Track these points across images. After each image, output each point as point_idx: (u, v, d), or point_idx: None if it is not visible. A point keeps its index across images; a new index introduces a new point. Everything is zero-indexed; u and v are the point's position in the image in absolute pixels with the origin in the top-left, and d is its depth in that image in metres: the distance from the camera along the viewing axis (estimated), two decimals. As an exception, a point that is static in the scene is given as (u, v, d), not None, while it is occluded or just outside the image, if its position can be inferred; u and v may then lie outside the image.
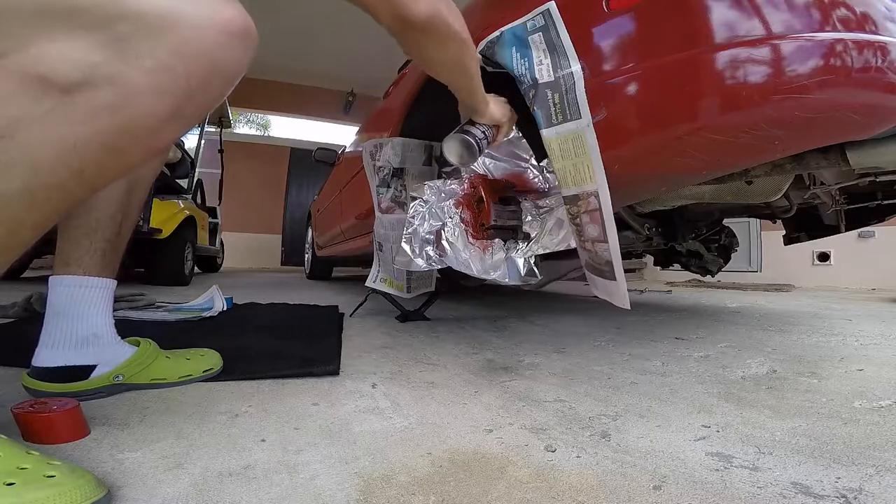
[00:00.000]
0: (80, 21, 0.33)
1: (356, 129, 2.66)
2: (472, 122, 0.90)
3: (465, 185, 1.06)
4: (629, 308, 0.76)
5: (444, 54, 0.70)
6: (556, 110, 0.75)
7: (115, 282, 0.73)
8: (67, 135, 0.35)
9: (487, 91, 0.84)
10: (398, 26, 0.60)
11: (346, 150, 2.80)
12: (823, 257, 3.74)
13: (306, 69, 6.27)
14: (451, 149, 0.87)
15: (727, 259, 1.87)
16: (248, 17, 0.41)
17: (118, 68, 0.34)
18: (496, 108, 0.89)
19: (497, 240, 1.04)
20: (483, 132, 0.89)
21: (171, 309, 1.56)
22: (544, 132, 0.76)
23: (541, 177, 1.01)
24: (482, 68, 0.88)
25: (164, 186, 3.04)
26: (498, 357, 1.05)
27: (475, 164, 1.07)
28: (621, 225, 0.95)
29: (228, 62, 0.40)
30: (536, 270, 1.02)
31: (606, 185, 0.72)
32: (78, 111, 0.34)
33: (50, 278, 0.68)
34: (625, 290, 0.74)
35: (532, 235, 1.02)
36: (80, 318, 0.68)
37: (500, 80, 0.86)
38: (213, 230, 4.53)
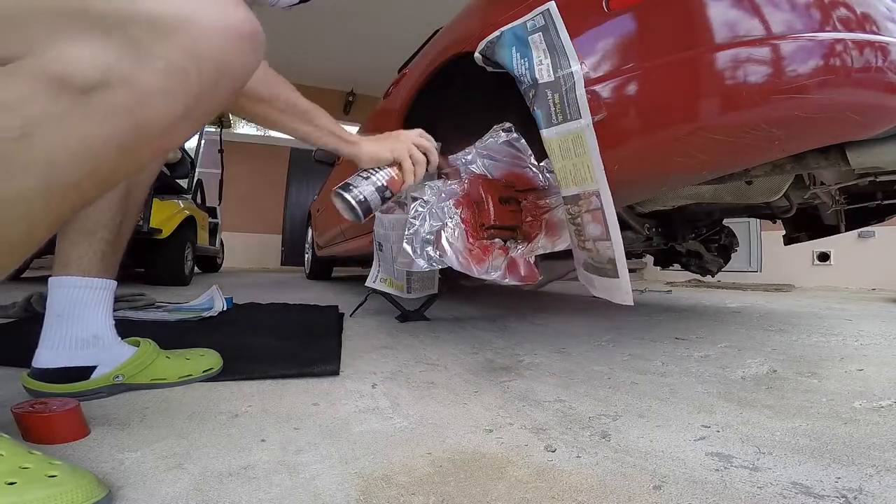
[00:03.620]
0: (96, 23, 0.34)
1: (356, 129, 2.66)
2: (362, 171, 0.83)
3: (465, 185, 1.06)
4: (632, 303, 0.76)
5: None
6: (555, 110, 0.75)
7: (115, 282, 0.73)
8: (85, 135, 0.35)
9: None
10: None
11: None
12: (823, 257, 3.74)
13: (306, 69, 6.28)
14: (337, 205, 0.81)
15: (727, 259, 1.87)
16: (256, 20, 0.41)
17: (132, 69, 0.35)
18: (375, 145, 0.83)
19: (497, 240, 1.04)
20: (373, 182, 0.81)
21: (171, 309, 1.56)
22: (544, 132, 0.76)
23: (540, 176, 1.01)
24: (482, 68, 0.89)
25: (164, 186, 3.04)
26: (498, 357, 1.05)
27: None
28: (621, 225, 0.95)
29: (238, 65, 0.41)
30: (536, 271, 1.02)
31: (607, 185, 0.72)
32: (95, 111, 0.35)
33: (49, 279, 0.68)
34: (628, 287, 0.74)
35: (532, 235, 1.02)
36: (81, 319, 0.68)
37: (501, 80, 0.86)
38: (213, 230, 4.52)
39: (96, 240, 0.69)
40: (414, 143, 0.88)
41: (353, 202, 0.79)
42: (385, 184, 0.83)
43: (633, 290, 0.74)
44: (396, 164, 0.85)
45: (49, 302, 0.68)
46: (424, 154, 0.89)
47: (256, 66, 0.43)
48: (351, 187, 0.81)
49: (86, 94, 0.34)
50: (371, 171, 0.83)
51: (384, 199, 0.83)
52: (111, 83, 0.35)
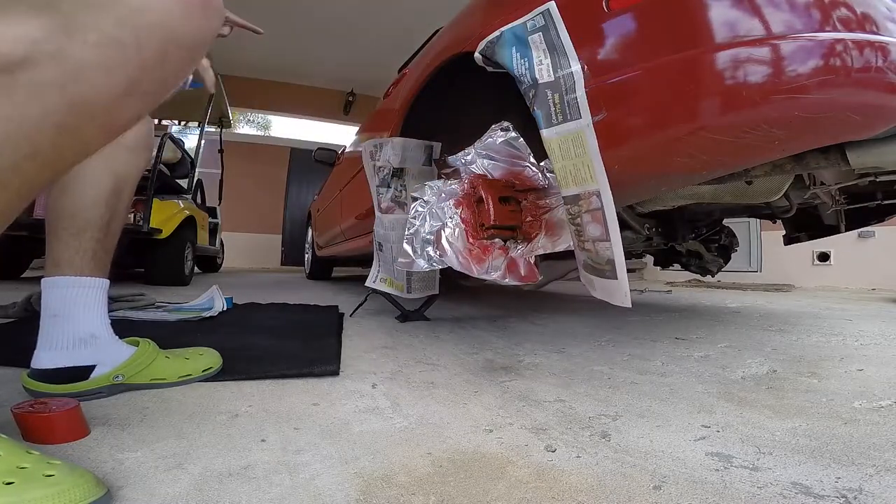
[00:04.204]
0: None
1: (356, 129, 2.66)
2: None
3: (465, 185, 1.06)
4: (630, 306, 0.76)
5: None
6: (555, 110, 0.75)
7: (108, 281, 0.73)
8: (11, 115, 0.33)
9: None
10: None
11: (346, 150, 2.80)
12: (823, 257, 3.74)
13: (306, 69, 6.28)
14: None
15: (727, 259, 1.86)
16: None
17: (61, 44, 0.33)
18: None
19: (497, 240, 1.04)
20: None
21: (171, 309, 1.55)
22: (544, 132, 0.76)
23: (540, 175, 1.01)
24: (482, 68, 0.88)
25: (164, 186, 3.03)
26: (498, 357, 1.05)
27: None
28: (621, 225, 0.94)
29: (187, 33, 0.38)
30: (536, 271, 1.02)
31: (608, 185, 0.71)
32: (20, 90, 0.33)
33: (42, 280, 0.68)
34: (626, 289, 0.74)
35: (532, 235, 1.02)
36: (76, 318, 0.68)
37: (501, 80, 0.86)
38: (213, 230, 4.52)
39: (86, 239, 0.69)
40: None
41: None
42: None
43: (632, 290, 0.74)
44: None
45: (43, 303, 0.67)
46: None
47: (212, 32, 0.40)
48: None
49: (9, 73, 0.32)
50: None
51: None
52: (38, 60, 0.33)
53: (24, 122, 0.34)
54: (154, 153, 2.67)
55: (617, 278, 0.74)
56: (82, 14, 0.33)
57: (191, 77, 0.70)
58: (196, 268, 3.88)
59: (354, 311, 1.68)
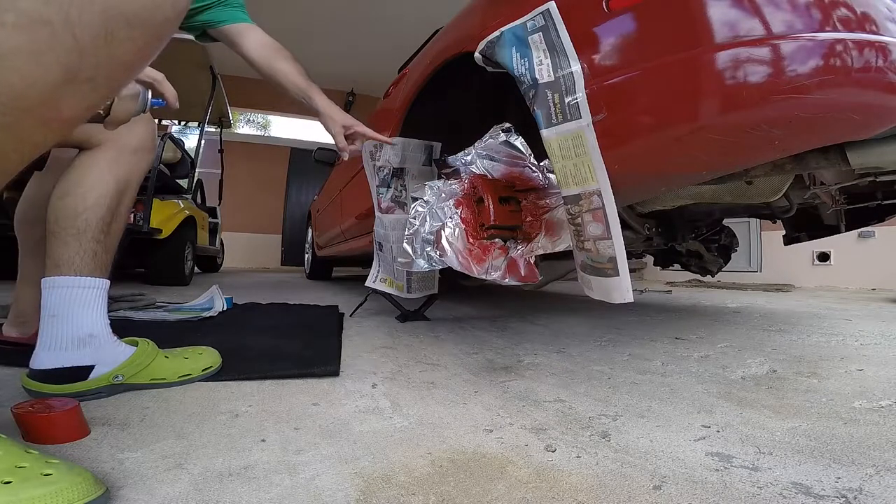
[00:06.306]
0: None
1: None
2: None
3: (466, 185, 1.06)
4: (632, 300, 0.76)
5: None
6: (556, 110, 0.75)
7: (108, 281, 0.73)
8: None
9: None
10: None
11: (346, 150, 2.79)
12: (823, 257, 3.74)
13: (306, 69, 6.27)
14: None
15: (727, 259, 1.86)
16: None
17: None
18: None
19: (497, 240, 1.04)
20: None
21: (171, 309, 1.55)
22: (544, 132, 0.76)
23: (540, 175, 1.01)
24: (482, 68, 0.89)
25: (164, 186, 3.04)
26: (498, 357, 1.05)
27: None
28: (621, 225, 0.94)
29: (135, 9, 0.33)
30: (536, 271, 1.02)
31: (609, 184, 0.72)
32: None
33: (42, 280, 0.68)
34: (628, 284, 0.74)
35: (532, 235, 1.02)
36: (75, 318, 0.68)
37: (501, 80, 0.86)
38: (213, 230, 4.52)
39: (87, 239, 0.69)
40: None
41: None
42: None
43: (633, 290, 0.74)
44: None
45: (43, 303, 0.67)
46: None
47: (175, 5, 0.36)
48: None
49: None
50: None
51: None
52: None
53: None
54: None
55: (619, 275, 0.74)
56: None
57: (150, 95, 0.66)
58: (196, 268, 3.88)
59: (354, 311, 1.68)
